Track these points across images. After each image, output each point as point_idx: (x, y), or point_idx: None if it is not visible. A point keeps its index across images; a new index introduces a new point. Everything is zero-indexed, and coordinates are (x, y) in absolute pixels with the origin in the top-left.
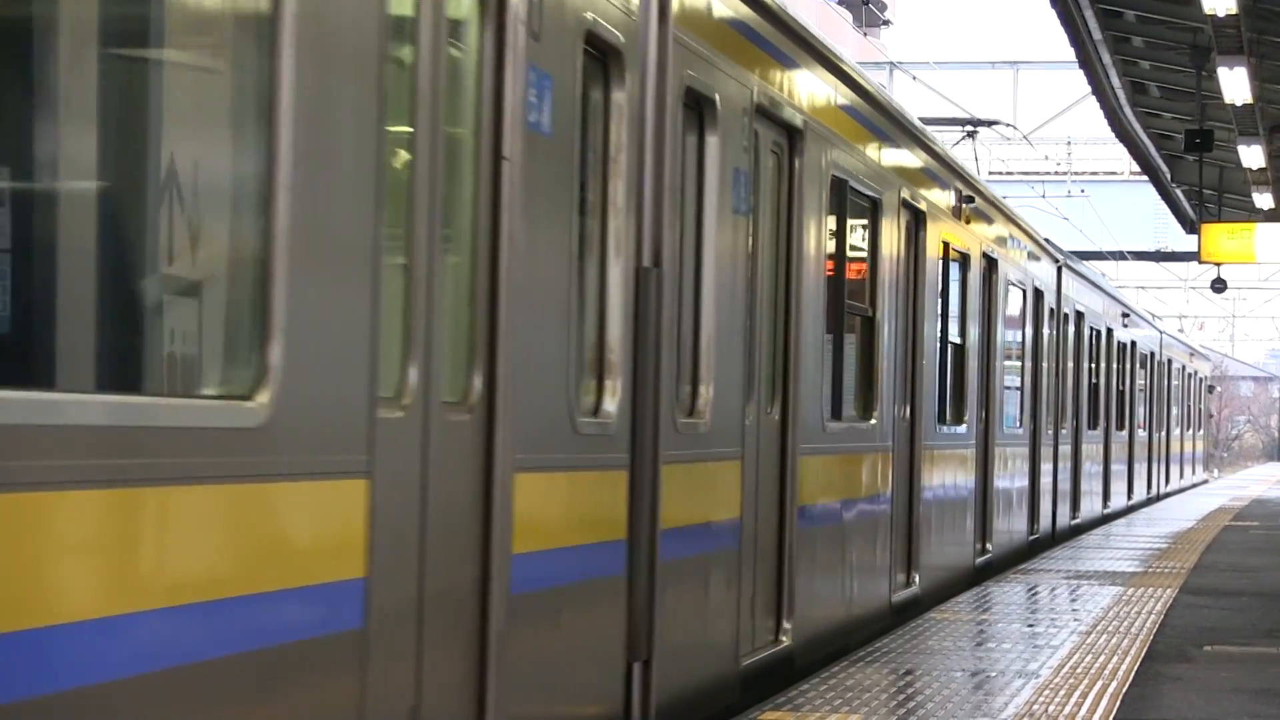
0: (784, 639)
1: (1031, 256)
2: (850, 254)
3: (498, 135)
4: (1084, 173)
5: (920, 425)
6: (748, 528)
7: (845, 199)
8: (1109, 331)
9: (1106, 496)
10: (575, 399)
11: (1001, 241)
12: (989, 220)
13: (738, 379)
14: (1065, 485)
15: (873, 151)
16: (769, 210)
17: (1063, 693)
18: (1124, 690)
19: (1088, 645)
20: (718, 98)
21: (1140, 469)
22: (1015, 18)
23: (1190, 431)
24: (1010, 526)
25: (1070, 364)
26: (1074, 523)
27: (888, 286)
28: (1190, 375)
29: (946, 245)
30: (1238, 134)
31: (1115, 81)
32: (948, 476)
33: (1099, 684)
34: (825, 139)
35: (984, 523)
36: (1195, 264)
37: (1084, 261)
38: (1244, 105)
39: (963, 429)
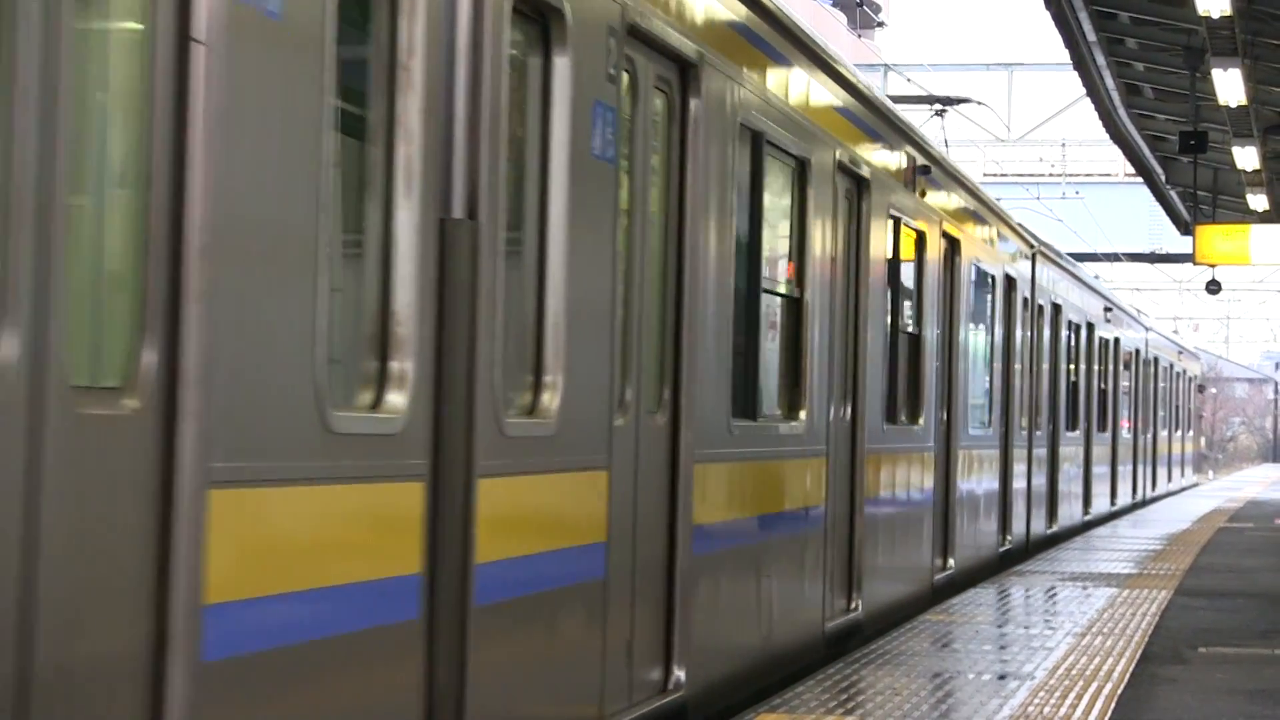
0: (674, 689)
1: (1002, 240)
2: (769, 223)
3: (184, 9)
4: (1078, 175)
5: (863, 426)
6: (618, 553)
7: (761, 155)
8: (1090, 326)
9: (1087, 502)
10: (329, 387)
11: (966, 221)
12: (950, 196)
13: (603, 371)
14: (1041, 491)
15: (799, 101)
16: (654, 161)
17: (1058, 695)
18: (1119, 692)
19: (1083, 647)
20: (568, 8)
21: (1125, 472)
22: (1009, 20)
23: (1180, 433)
24: (977, 538)
25: (1046, 360)
26: (1051, 531)
27: (820, 264)
28: (1179, 375)
29: (897, 220)
30: (1232, 135)
31: (1110, 83)
32: (900, 483)
33: (1094, 686)
34: (733, 79)
35: (945, 535)
36: (1190, 266)
37: (1079, 263)
38: (1238, 107)
39: (918, 429)
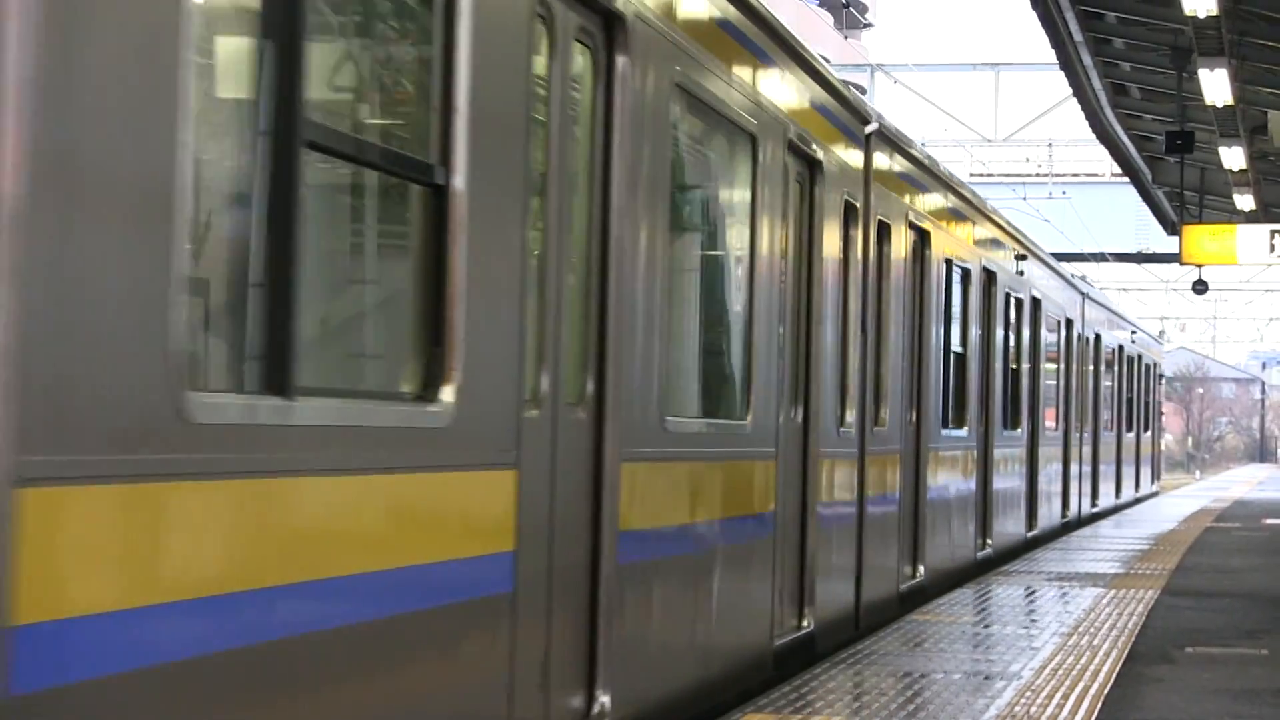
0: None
1: (803, 102)
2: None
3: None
4: (1065, 175)
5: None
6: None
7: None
8: (989, 276)
9: (985, 532)
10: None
11: (699, 34)
12: None
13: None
14: (889, 523)
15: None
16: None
17: (1044, 694)
18: (1105, 691)
19: (1069, 647)
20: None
21: (1049, 481)
22: (996, 20)
23: (1134, 433)
24: (727, 632)
25: (899, 316)
26: (910, 585)
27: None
28: (1133, 360)
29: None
30: (1219, 135)
31: (1096, 83)
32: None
33: (1081, 685)
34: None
35: (591, 651)
36: (1177, 266)
37: (1063, 261)
38: (1225, 107)
39: (477, 424)
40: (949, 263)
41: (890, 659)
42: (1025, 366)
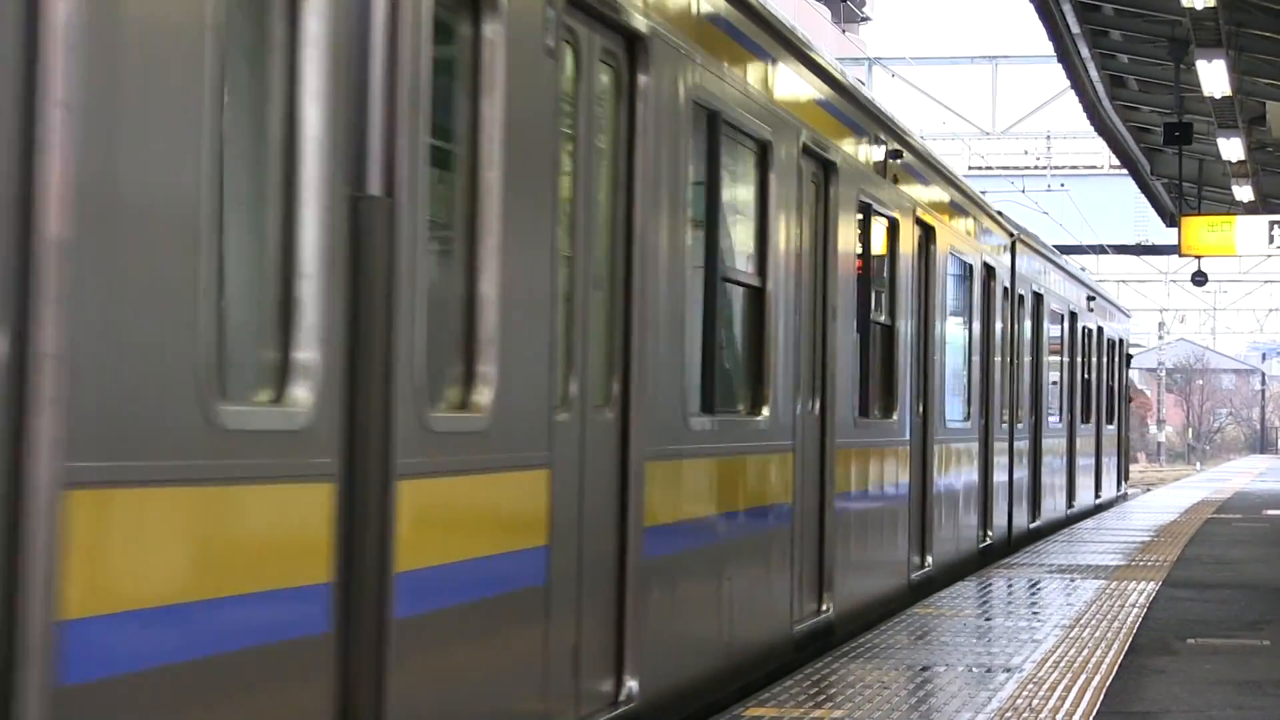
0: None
1: None
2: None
3: None
4: (1064, 167)
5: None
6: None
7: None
8: (827, 173)
9: (821, 584)
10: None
11: None
12: None
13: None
14: (584, 597)
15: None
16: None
17: (1046, 686)
18: (1107, 683)
19: (1071, 639)
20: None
21: (954, 493)
22: (994, 13)
23: (1093, 424)
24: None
25: (610, 216)
26: (624, 711)
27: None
28: (1092, 334)
29: None
30: (1217, 126)
31: (1094, 75)
32: None
33: (1083, 677)
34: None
35: None
36: (1176, 257)
37: (1064, 254)
38: (1223, 98)
39: None
40: (754, 135)
41: (891, 651)
42: (906, 328)
